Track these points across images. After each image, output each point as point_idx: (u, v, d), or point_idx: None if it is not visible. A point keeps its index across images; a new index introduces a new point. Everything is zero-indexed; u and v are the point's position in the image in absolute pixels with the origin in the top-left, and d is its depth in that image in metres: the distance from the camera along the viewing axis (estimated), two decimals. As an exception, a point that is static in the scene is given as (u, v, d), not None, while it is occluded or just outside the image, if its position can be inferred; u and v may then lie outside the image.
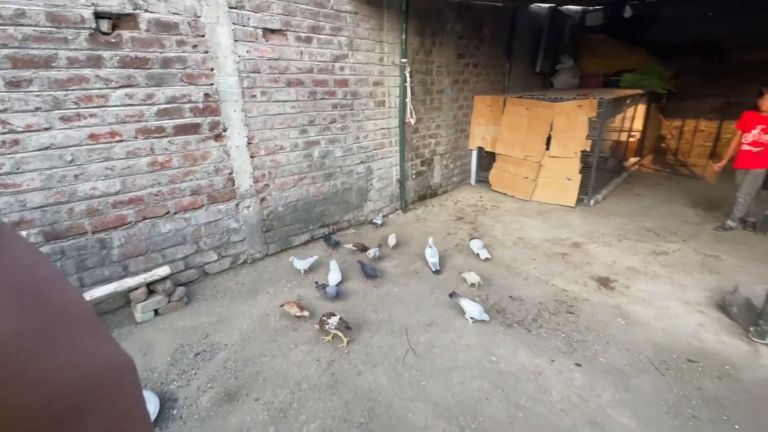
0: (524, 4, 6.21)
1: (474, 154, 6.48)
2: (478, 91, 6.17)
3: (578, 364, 2.47)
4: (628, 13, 5.71)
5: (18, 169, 2.45)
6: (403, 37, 4.51)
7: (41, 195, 2.57)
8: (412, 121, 4.91)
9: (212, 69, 3.17)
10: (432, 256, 3.73)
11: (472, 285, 3.37)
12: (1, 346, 0.30)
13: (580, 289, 3.35)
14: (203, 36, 3.06)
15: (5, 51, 2.27)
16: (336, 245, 4.11)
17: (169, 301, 3.05)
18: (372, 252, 3.79)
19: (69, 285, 0.41)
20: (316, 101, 3.99)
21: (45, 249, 2.66)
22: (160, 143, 3.04)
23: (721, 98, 6.90)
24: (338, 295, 3.20)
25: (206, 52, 3.11)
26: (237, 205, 3.61)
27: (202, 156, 3.29)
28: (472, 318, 2.87)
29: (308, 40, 3.77)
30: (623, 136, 6.91)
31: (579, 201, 5.41)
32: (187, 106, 3.11)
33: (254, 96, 3.48)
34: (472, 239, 4.08)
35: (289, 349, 2.63)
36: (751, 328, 2.67)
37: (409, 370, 2.44)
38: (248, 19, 3.29)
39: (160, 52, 2.89)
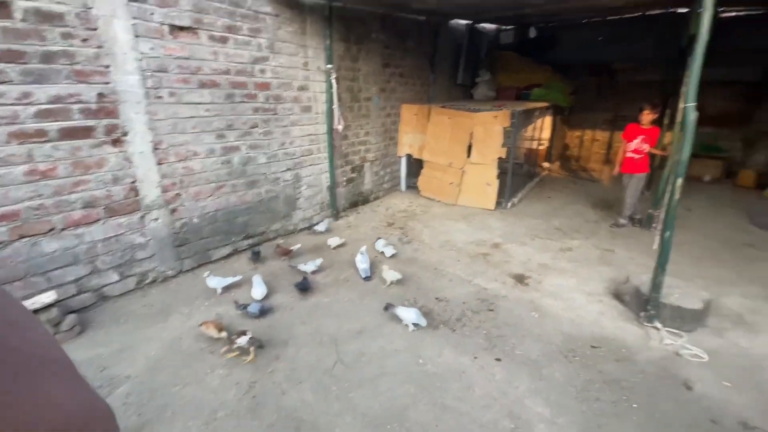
0: (443, 19, 6.55)
1: (403, 161, 6.63)
2: (405, 100, 6.35)
3: (498, 359, 2.60)
4: (532, 33, 6.30)
5: None
6: (328, 42, 4.47)
7: None
8: (340, 128, 4.87)
9: (108, 66, 2.82)
10: (362, 263, 3.70)
11: (392, 283, 3.43)
12: None
13: (500, 286, 3.56)
14: (95, 29, 2.72)
15: None
16: (259, 257, 3.89)
17: (56, 333, 2.62)
18: (309, 266, 3.63)
19: (41, 328, 0.39)
20: (235, 104, 3.76)
21: None
22: (41, 149, 2.62)
23: (612, 112, 7.95)
24: (263, 312, 3.00)
25: (100, 47, 2.76)
26: (142, 217, 3.24)
27: (96, 163, 2.89)
28: (414, 325, 2.88)
29: (224, 40, 3.56)
30: (534, 144, 7.61)
31: (498, 204, 5.80)
32: (76, 106, 2.73)
33: (161, 97, 3.17)
34: (377, 239, 4.25)
35: (204, 375, 2.39)
36: (641, 314, 3.04)
37: (337, 382, 2.36)
38: (152, 14, 3.00)
39: (41, 46, 2.50)
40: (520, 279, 3.71)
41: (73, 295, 2.95)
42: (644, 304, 3.01)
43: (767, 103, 6.90)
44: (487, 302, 3.30)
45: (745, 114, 7.10)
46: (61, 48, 2.59)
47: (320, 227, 4.73)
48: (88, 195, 2.90)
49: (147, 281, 3.39)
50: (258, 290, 3.12)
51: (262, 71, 3.94)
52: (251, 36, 3.77)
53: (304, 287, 3.30)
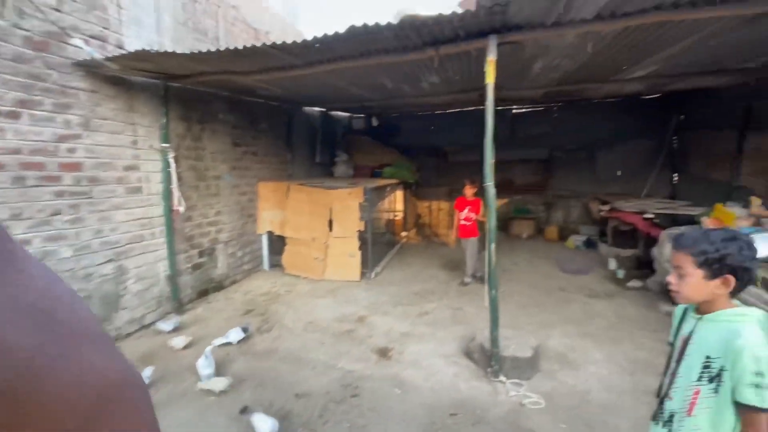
0: (295, 106, 6.95)
1: (264, 238, 6.30)
2: (263, 177, 6.23)
3: (361, 456, 2.36)
4: (375, 122, 7.17)
5: None
6: (164, 121, 4.15)
7: None
8: (182, 209, 4.38)
9: None
10: (206, 368, 3.11)
11: (221, 393, 2.95)
12: (18, 363, 0.31)
13: (363, 366, 3.42)
14: None
15: None
16: None
17: None
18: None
19: (82, 303, 0.42)
20: (26, 189, 3.02)
21: None
22: None
23: (448, 186, 9.36)
24: None
25: None
26: None
27: None
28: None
29: (14, 116, 2.92)
30: (391, 216, 8.27)
31: (363, 274, 5.89)
32: None
33: None
34: (229, 331, 3.79)
35: None
36: (488, 369, 3.26)
37: None
38: None
39: None
40: (383, 353, 3.65)
41: None
42: (489, 360, 3.25)
43: (556, 174, 9.13)
44: (351, 387, 3.09)
45: (542, 184, 9.23)
46: None
47: (164, 325, 3.92)
48: None
49: None
50: None
51: (71, 150, 3.34)
52: (57, 112, 3.22)
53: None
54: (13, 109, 2.93)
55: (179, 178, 4.38)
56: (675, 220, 5.42)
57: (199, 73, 4.00)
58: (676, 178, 7.77)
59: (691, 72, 4.70)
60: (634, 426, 2.63)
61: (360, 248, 5.84)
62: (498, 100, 3.11)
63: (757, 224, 3.92)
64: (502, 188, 7.94)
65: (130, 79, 3.83)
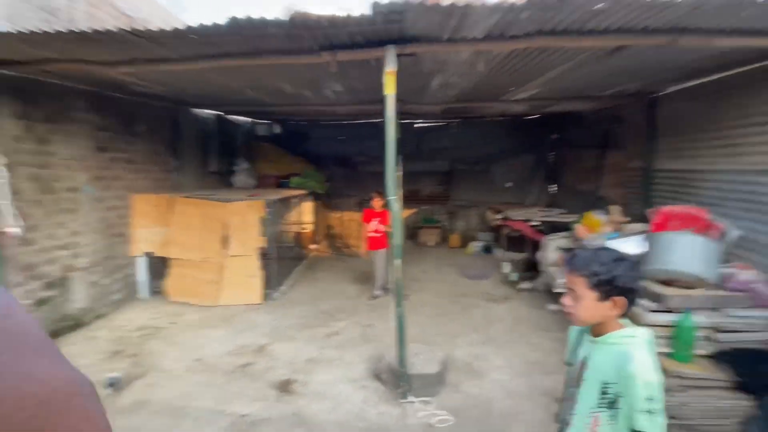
0: (182, 107, 6.13)
1: (141, 261, 5.33)
2: (138, 190, 5.29)
3: None
4: (277, 129, 6.73)
5: None
6: (-16, 117, 3.19)
7: None
8: (17, 230, 3.41)
9: None
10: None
11: None
12: None
13: (261, 406, 2.99)
14: None
15: None
16: None
17: None
18: None
19: (23, 310, 0.41)
20: None
21: None
22: None
23: (358, 196, 9.27)
24: None
25: None
26: None
27: None
28: None
29: None
30: (299, 228, 7.81)
31: (266, 295, 5.36)
32: None
33: None
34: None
35: None
36: (397, 390, 3.11)
37: None
38: None
39: None
40: (284, 387, 3.26)
41: None
42: (397, 380, 3.11)
43: (456, 185, 9.67)
44: (241, 436, 2.64)
45: (445, 194, 9.70)
46: None
47: None
48: None
49: None
50: None
51: None
52: None
53: None
54: None
55: (14, 191, 3.42)
56: (554, 227, 6.09)
57: (41, 59, 3.19)
58: (554, 189, 8.84)
59: (564, 96, 5.34)
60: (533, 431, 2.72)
61: (263, 266, 5.32)
62: (401, 114, 3.06)
63: (618, 229, 4.54)
64: (409, 198, 8.17)
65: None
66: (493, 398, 3.14)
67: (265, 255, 5.40)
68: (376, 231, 5.41)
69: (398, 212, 2.82)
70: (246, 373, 3.47)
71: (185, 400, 3.05)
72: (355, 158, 9.71)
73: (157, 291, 5.42)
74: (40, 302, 3.85)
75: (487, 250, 8.37)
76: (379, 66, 2.94)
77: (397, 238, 2.79)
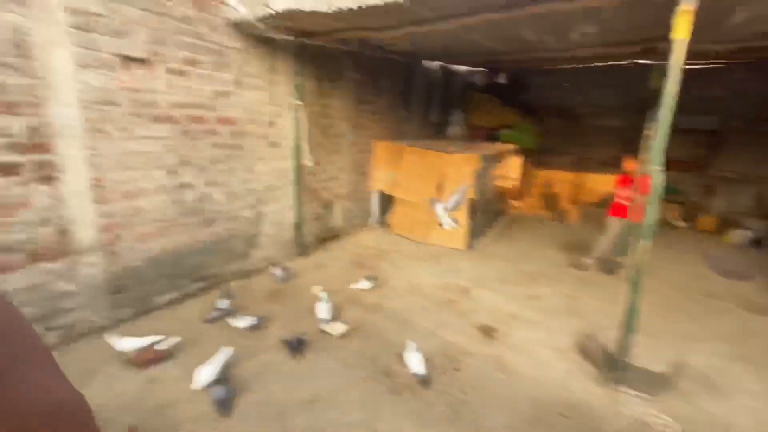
0: (416, 60, 6.66)
1: (375, 197, 6.52)
2: (378, 137, 6.31)
3: (462, 433, 2.39)
4: (502, 78, 6.48)
5: None
6: (299, 79, 4.38)
7: None
8: (309, 164, 4.72)
9: (43, 97, 2.56)
10: (323, 312, 3.45)
11: (342, 336, 3.27)
12: None
13: (466, 340, 3.39)
14: (30, 58, 2.47)
15: None
16: (221, 316, 3.41)
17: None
18: (243, 321, 3.29)
19: (27, 324, 0.41)
20: (193, 140, 3.54)
21: None
22: (-50, 187, 2.29)
23: (577, 154, 8.24)
24: (225, 406, 2.42)
25: (36, 77, 2.51)
26: (73, 262, 2.89)
27: (20, 204, 2.57)
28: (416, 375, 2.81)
29: (184, 74, 3.37)
30: (505, 184, 7.71)
31: (469, 244, 5.73)
32: (2, 141, 2.43)
33: (106, 132, 2.91)
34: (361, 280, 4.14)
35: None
36: (609, 375, 2.93)
37: (279, 467, 2.07)
38: (100, 43, 2.79)
39: (-41, 72, 2.23)
40: (487, 331, 3.56)
41: (-22, 354, 2.53)
42: (611, 365, 2.90)
43: (723, 150, 7.31)
44: (454, 360, 3.10)
45: (703, 160, 7.49)
46: (-14, 77, 2.32)
47: (278, 273, 4.29)
48: (8, 239, 2.55)
49: (75, 333, 3.00)
50: (207, 372, 2.56)
51: (227, 106, 3.77)
52: (215, 70, 3.61)
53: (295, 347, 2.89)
54: (183, 67, 3.37)
55: (309, 135, 4.67)
56: None
57: (334, 30, 4.03)
58: None
59: None
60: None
61: (468, 217, 5.64)
62: (661, 54, 2.48)
63: None
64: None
65: (274, 38, 4.06)
66: (737, 425, 2.57)
67: (472, 206, 5.68)
68: (627, 198, 4.65)
69: (660, 186, 2.42)
70: (453, 308, 3.94)
71: (407, 314, 3.76)
72: (577, 109, 8.54)
73: (382, 222, 6.59)
74: (317, 217, 5.32)
75: (757, 243, 6.24)
76: (666, 2, 2.39)
77: (652, 214, 2.42)
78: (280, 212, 4.67)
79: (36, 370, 0.37)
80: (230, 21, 3.63)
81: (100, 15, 2.75)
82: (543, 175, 8.42)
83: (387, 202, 6.46)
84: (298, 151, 4.60)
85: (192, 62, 3.41)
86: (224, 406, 2.38)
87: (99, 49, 2.79)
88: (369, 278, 4.14)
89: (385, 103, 6.31)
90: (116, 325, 3.21)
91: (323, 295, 3.57)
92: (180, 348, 2.96)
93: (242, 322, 3.27)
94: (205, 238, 3.84)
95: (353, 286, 4.16)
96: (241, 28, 3.72)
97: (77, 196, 2.82)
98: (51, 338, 2.85)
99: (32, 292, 2.71)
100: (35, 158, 2.59)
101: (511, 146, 7.12)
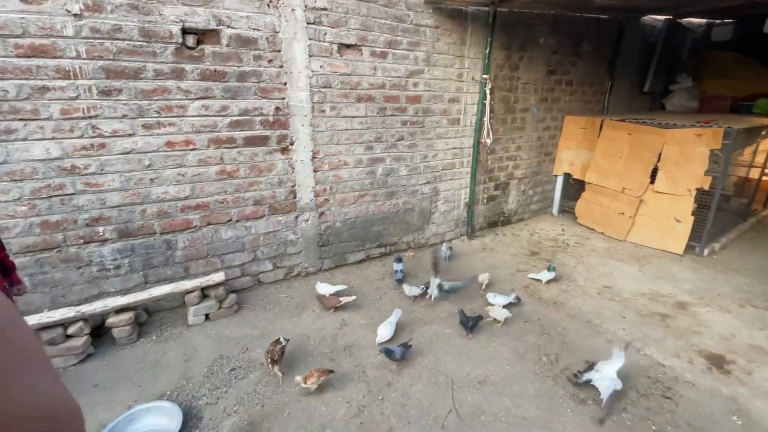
0: (634, 15, 5.42)
1: (559, 180, 5.79)
2: (570, 111, 5.52)
3: (675, 477, 1.88)
4: (743, 29, 4.63)
5: (102, 170, 2.68)
6: (487, 51, 4.18)
7: (119, 195, 2.78)
8: (489, 142, 4.51)
9: (285, 83, 3.20)
10: (494, 297, 3.30)
11: (497, 322, 3.07)
12: None
13: (684, 366, 2.65)
14: (279, 51, 3.10)
15: (101, 62, 2.49)
16: (403, 280, 3.64)
17: (219, 307, 3.10)
18: (414, 289, 3.41)
19: (27, 326, 0.41)
20: (386, 117, 3.84)
21: (118, 245, 2.87)
22: (230, 153, 3.13)
23: None
24: (403, 357, 2.57)
25: (281, 66, 3.14)
26: (296, 217, 3.60)
27: (267, 168, 3.32)
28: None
29: (383, 55, 3.66)
30: (755, 174, 5.62)
31: (689, 248, 4.46)
32: (258, 119, 3.17)
33: (323, 111, 3.45)
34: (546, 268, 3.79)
35: (321, 382, 2.45)
36: None
37: (448, 436, 2.09)
38: (325, 34, 3.27)
39: (237, 66, 2.98)
40: (717, 362, 2.69)
41: (237, 277, 3.47)
42: None
43: None
44: (662, 385, 2.48)
45: None
46: (252, 68, 3.04)
47: (444, 250, 4.23)
48: (258, 194, 3.36)
49: (293, 274, 3.77)
50: (385, 330, 2.79)
51: (415, 84, 3.93)
52: (409, 50, 3.78)
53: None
54: (384, 49, 3.64)
55: (491, 110, 4.45)
56: None
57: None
58: None
59: None
60: None
61: (694, 213, 4.36)
62: None
63: None
64: None
65: (465, 9, 3.96)
66: None
67: (701, 199, 4.35)
68: None
69: None
70: (664, 324, 3.14)
71: (596, 318, 3.21)
72: None
73: (565, 210, 5.82)
74: (490, 198, 5.10)
75: None
76: None
77: None
78: (454, 190, 4.66)
79: (35, 375, 0.38)
80: (424, -2, 3.69)
81: (325, 9, 3.22)
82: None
83: (573, 188, 5.65)
84: (479, 128, 4.45)
85: (392, 44, 3.65)
86: (401, 360, 2.55)
87: (323, 39, 3.28)
88: (550, 269, 3.71)
89: (584, 71, 5.42)
90: (319, 272, 3.87)
91: (483, 277, 3.50)
92: (362, 302, 3.34)
93: (414, 290, 3.44)
94: (387, 209, 4.18)
95: (531, 275, 3.82)
96: (435, 3, 3.75)
97: (302, 164, 3.47)
98: (279, 274, 3.66)
99: (270, 237, 3.52)
100: (277, 133, 3.29)
101: (774, 121, 5.09)
